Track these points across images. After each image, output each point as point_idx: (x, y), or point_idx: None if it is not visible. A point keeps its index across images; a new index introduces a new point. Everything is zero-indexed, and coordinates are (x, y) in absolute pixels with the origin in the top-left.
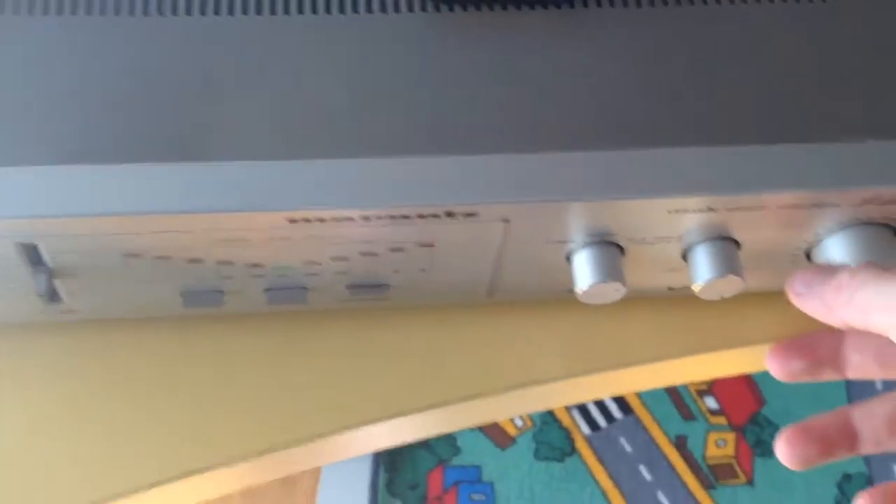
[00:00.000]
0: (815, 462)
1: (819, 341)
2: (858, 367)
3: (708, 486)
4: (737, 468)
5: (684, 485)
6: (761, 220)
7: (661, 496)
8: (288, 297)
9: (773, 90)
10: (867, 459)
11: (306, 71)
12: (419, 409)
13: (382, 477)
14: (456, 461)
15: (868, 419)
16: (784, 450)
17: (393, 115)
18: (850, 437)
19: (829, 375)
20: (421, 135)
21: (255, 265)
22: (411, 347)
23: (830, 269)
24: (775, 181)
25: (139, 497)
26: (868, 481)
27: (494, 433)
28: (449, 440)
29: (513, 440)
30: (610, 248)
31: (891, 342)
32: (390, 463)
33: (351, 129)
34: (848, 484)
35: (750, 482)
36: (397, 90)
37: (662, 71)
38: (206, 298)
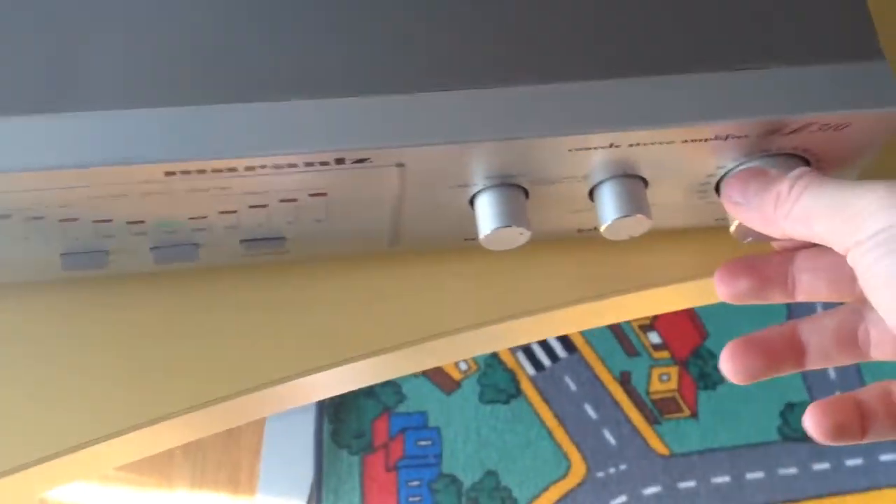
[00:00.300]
0: (759, 376)
1: (767, 261)
2: (808, 287)
3: (653, 421)
4: (681, 402)
5: (629, 421)
6: (667, 154)
7: (607, 433)
8: (177, 255)
9: (671, 17)
10: (810, 388)
11: (175, 9)
12: (329, 366)
13: (327, 427)
14: (401, 408)
15: (816, 333)
16: (728, 363)
17: (273, 55)
18: (797, 350)
19: (777, 297)
20: (305, 76)
21: (136, 222)
22: (318, 301)
23: (765, 175)
24: (678, 114)
25: (72, 458)
26: None
27: (439, 378)
28: (393, 387)
29: (458, 384)
30: (512, 191)
31: (844, 261)
32: (334, 413)
33: (227, 72)
34: (791, 413)
35: (694, 415)
36: (274, 28)
37: (557, 2)
38: (88, 260)
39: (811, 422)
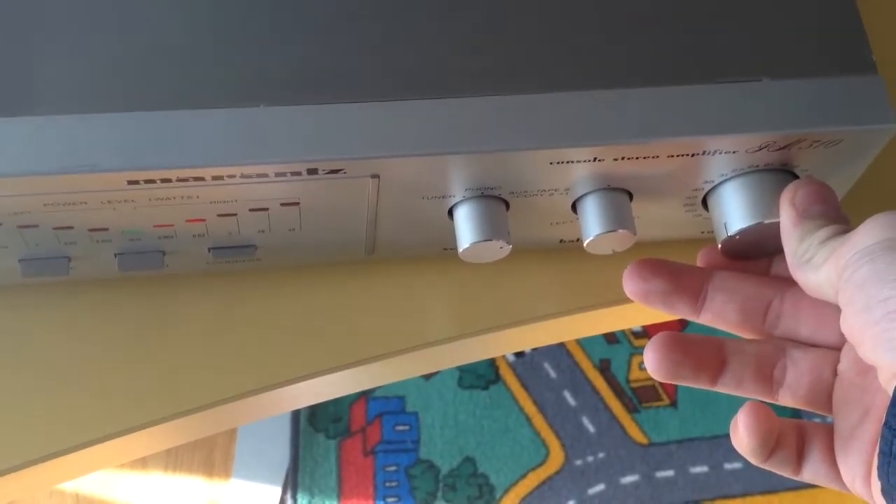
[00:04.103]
0: (676, 377)
1: (686, 270)
2: (718, 308)
3: (632, 409)
4: (660, 390)
5: (608, 409)
6: (653, 168)
7: (586, 421)
8: (142, 262)
9: (659, 28)
10: None
11: (143, 9)
12: (303, 378)
13: (304, 411)
14: (379, 392)
15: (738, 356)
16: (651, 353)
17: (243, 60)
18: (716, 366)
19: (683, 309)
20: (276, 82)
21: (99, 229)
22: (291, 311)
23: (836, 209)
24: (666, 128)
25: (54, 463)
26: None
27: None
28: None
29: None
30: (492, 203)
31: (762, 293)
32: None
33: (195, 76)
34: (770, 404)
35: (673, 404)
36: (246, 32)
37: (539, 10)
38: (49, 266)
39: (745, 420)
